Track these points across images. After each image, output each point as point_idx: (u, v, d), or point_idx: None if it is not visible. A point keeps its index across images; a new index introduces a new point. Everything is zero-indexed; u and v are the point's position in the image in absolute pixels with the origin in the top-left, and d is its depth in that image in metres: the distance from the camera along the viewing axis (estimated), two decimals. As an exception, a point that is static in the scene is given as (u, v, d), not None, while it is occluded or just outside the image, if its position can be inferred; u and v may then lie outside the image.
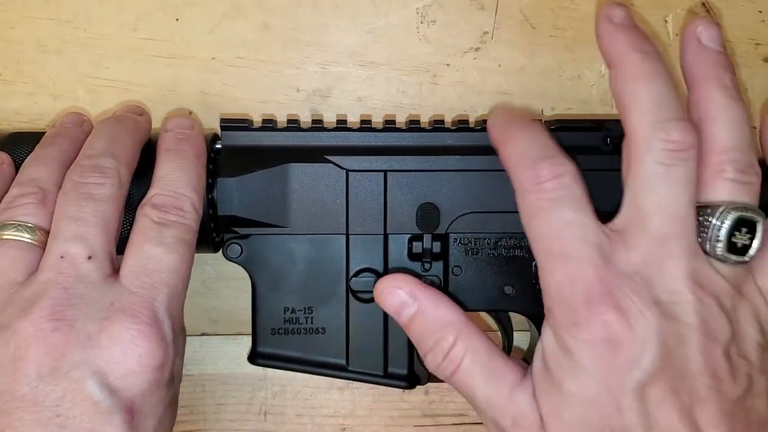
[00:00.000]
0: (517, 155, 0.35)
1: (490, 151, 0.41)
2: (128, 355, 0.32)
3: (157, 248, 0.34)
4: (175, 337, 0.34)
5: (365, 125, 0.41)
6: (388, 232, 0.41)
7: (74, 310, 0.32)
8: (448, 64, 0.47)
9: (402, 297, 0.37)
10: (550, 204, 0.33)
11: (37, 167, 0.36)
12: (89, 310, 0.32)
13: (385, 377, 0.42)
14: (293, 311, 0.41)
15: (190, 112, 0.46)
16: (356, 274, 0.41)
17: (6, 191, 0.36)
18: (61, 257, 0.33)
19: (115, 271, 0.34)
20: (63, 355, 0.31)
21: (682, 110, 0.34)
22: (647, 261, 0.32)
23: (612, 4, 0.36)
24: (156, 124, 0.46)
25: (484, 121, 0.41)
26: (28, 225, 0.34)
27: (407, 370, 0.42)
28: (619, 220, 0.34)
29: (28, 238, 0.34)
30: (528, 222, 0.34)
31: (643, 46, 0.35)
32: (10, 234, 0.34)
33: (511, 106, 0.46)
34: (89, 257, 0.33)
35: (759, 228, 0.33)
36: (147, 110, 0.44)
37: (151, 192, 0.36)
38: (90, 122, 0.41)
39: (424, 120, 0.44)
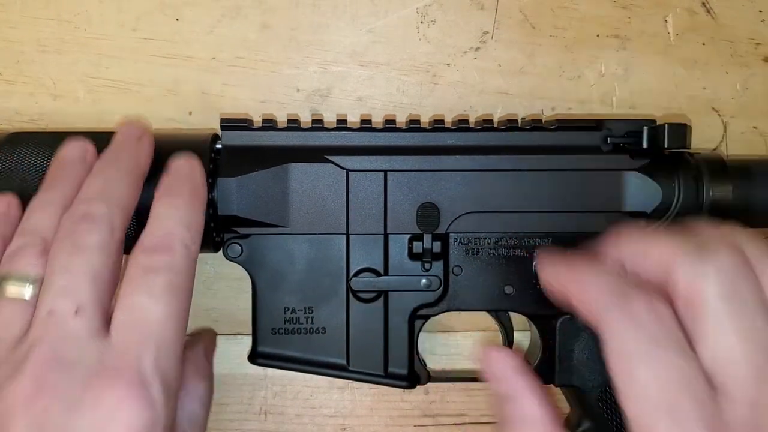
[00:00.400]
0: (599, 294, 0.31)
1: (489, 150, 0.41)
2: (113, 420, 0.31)
3: (145, 299, 0.33)
4: (167, 394, 0.33)
5: (365, 125, 0.41)
6: (388, 231, 0.41)
7: (59, 372, 0.31)
8: (448, 64, 0.47)
9: (503, 372, 0.34)
10: (651, 345, 0.28)
11: (39, 214, 0.35)
12: (75, 372, 0.31)
13: (386, 377, 0.41)
14: (293, 311, 0.41)
15: (190, 113, 0.46)
16: (356, 274, 0.41)
17: (11, 237, 0.35)
18: (49, 313, 0.32)
19: (107, 322, 0.33)
20: (47, 420, 0.30)
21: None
22: (755, 409, 0.28)
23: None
24: (156, 124, 0.46)
25: (485, 121, 0.41)
26: (29, 277, 0.34)
27: (407, 369, 0.42)
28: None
29: (28, 292, 0.33)
30: (623, 370, 0.29)
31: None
32: (10, 287, 0.33)
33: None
34: (76, 311, 0.32)
35: None
36: (147, 127, 0.41)
37: (143, 234, 0.35)
38: (93, 152, 0.39)
39: (424, 120, 0.44)
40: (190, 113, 0.46)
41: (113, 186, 0.36)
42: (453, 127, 0.41)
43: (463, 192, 0.41)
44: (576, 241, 0.41)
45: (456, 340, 0.48)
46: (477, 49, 0.47)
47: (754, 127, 0.48)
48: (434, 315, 0.42)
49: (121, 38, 0.45)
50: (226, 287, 0.47)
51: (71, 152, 0.39)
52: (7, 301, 0.33)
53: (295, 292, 0.41)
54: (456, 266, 0.41)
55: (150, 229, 0.35)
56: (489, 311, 0.43)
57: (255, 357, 0.41)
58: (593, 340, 0.42)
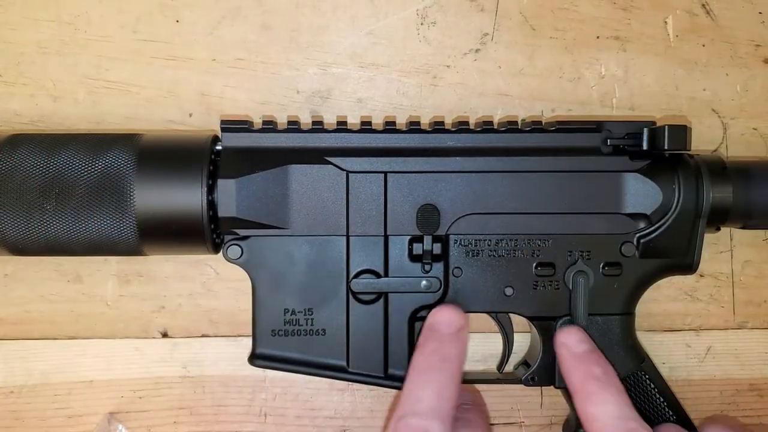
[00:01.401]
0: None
1: (490, 152, 0.41)
2: None
3: None
4: None
5: (365, 126, 0.41)
6: (388, 233, 0.41)
7: None
8: (448, 66, 0.47)
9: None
10: None
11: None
12: None
13: (386, 379, 0.41)
14: (293, 312, 0.41)
15: (190, 114, 0.46)
16: (357, 276, 0.41)
17: None
18: None
19: None
20: None
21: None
22: None
23: (567, 330, 0.40)
24: (156, 125, 0.46)
25: (485, 123, 0.41)
26: None
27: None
28: None
29: None
30: None
31: (594, 370, 0.38)
32: None
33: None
34: None
35: None
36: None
37: (397, 413, 0.36)
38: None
39: (425, 121, 0.44)
40: (191, 115, 0.46)
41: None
42: (453, 129, 0.41)
43: (464, 193, 0.41)
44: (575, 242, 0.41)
45: (456, 341, 0.48)
46: (477, 50, 0.47)
47: (754, 129, 0.48)
48: (434, 316, 0.42)
49: (122, 40, 0.45)
50: (226, 289, 0.47)
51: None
52: None
53: (295, 293, 0.41)
54: (456, 268, 0.41)
55: (403, 412, 0.36)
56: (489, 313, 0.43)
57: (255, 358, 0.41)
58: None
